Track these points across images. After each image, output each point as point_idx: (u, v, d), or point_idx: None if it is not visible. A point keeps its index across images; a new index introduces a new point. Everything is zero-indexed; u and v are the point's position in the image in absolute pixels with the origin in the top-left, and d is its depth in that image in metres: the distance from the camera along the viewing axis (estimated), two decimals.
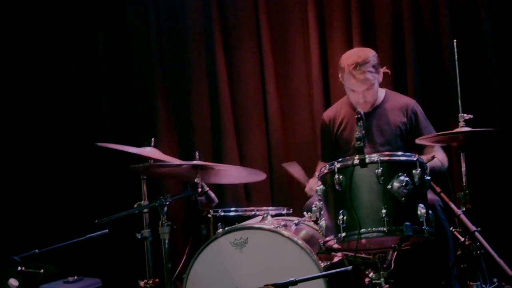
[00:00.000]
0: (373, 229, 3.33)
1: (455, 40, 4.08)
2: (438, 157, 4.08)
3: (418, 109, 4.38)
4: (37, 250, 3.61)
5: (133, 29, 5.53)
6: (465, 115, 3.88)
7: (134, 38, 5.53)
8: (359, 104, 4.32)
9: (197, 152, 4.15)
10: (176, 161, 4.40)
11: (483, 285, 3.61)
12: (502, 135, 4.53)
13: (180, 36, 5.49)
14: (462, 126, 3.86)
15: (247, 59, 5.37)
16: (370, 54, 4.33)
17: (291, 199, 5.06)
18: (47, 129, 5.47)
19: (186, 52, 5.47)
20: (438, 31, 4.91)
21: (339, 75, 4.37)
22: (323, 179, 3.53)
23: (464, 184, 3.84)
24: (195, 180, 4.02)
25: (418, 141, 4.01)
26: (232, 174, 4.58)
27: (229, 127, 5.30)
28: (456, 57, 4.03)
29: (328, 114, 4.60)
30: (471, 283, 3.64)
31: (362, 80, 4.25)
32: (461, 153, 3.88)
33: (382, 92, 4.47)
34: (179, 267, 4.26)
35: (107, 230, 3.76)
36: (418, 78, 4.89)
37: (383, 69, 4.39)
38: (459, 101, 3.95)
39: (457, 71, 4.01)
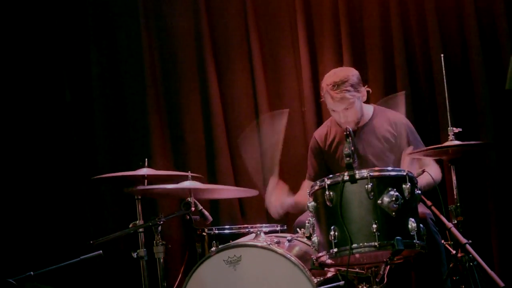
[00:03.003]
0: (365, 244, 3.35)
1: (442, 55, 4.13)
2: (431, 170, 4.03)
3: (407, 124, 4.35)
4: (32, 272, 3.62)
5: (125, 49, 5.54)
6: (455, 128, 3.91)
7: (126, 58, 5.54)
8: (342, 123, 4.29)
9: (189, 172, 4.18)
10: (171, 173, 4.44)
11: None
12: (491, 147, 4.56)
13: (172, 56, 5.51)
14: (451, 140, 3.89)
15: (238, 78, 5.40)
16: (349, 73, 4.28)
17: (286, 215, 5.07)
18: (42, 150, 5.47)
19: (179, 72, 5.48)
20: (427, 46, 4.96)
21: (321, 95, 4.36)
22: (314, 195, 3.55)
23: (455, 196, 3.87)
24: (188, 200, 4.05)
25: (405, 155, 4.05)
26: (225, 191, 4.63)
27: (223, 145, 5.32)
28: (444, 71, 4.07)
29: (319, 133, 4.56)
30: None
31: (340, 99, 4.20)
32: (452, 166, 3.92)
33: (370, 109, 4.43)
34: (175, 286, 4.27)
35: (100, 251, 3.77)
36: (409, 93, 4.89)
37: (366, 88, 4.32)
38: (448, 114, 3.98)
39: (446, 85, 4.05)
